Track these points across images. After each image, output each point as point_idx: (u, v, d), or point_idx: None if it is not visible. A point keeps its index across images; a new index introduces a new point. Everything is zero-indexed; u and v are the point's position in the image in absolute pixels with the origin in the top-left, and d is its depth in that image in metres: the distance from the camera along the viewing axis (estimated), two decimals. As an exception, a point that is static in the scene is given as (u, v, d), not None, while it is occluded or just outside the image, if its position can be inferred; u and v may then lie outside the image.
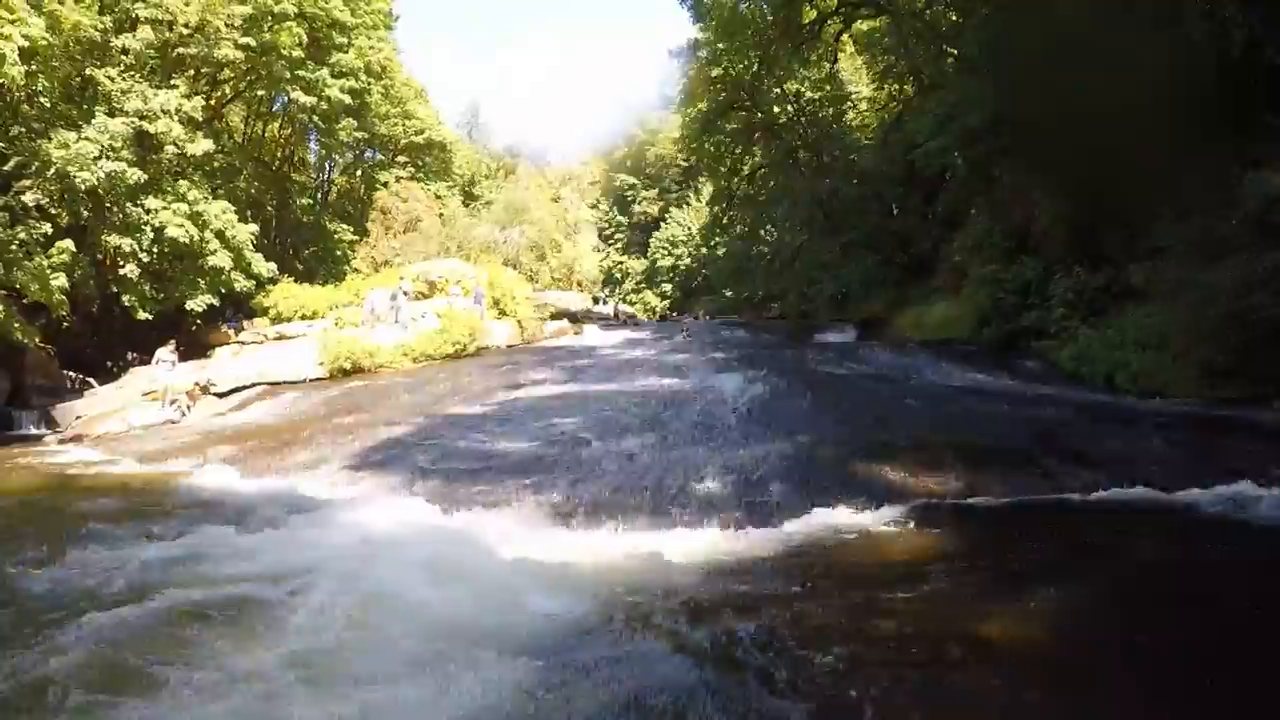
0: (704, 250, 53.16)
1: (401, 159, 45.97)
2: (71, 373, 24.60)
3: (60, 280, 21.41)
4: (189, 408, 20.11)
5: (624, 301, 53.10)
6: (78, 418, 20.00)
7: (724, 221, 44.48)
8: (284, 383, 22.10)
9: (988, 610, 5.74)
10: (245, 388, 21.91)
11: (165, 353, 20.84)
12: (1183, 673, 4.77)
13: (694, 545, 7.77)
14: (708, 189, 50.33)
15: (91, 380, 24.59)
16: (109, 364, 26.46)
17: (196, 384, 21.00)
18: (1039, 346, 18.25)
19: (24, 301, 21.66)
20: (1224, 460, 9.01)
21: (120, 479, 12.55)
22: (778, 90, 37.58)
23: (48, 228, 21.64)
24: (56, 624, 5.59)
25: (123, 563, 7.10)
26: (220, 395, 21.39)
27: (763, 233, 42.19)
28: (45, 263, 21.11)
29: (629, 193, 69.12)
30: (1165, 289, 14.86)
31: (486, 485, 10.23)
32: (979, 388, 14.98)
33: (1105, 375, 15.40)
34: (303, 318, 27.83)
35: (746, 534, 7.99)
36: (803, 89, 37.95)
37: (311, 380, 22.31)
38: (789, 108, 38.16)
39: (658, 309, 56.53)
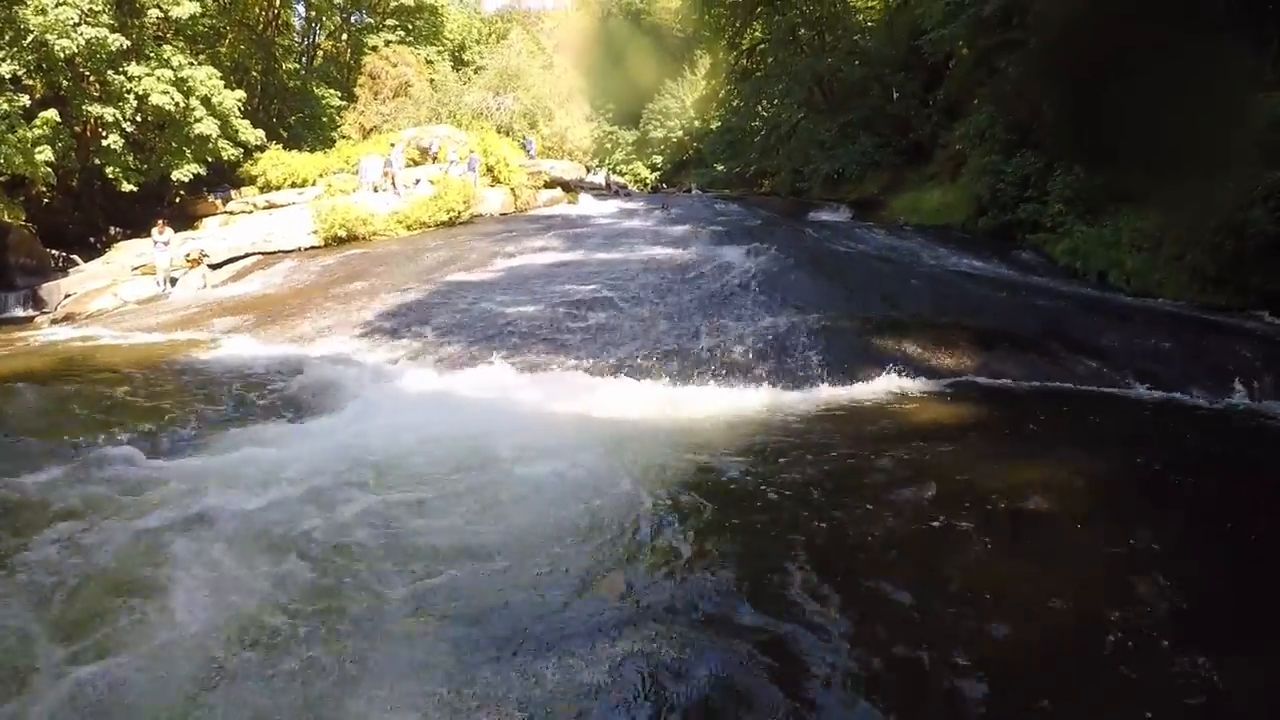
0: (697, 123, 52.57)
1: (390, 22, 44.56)
2: (55, 250, 23.68)
3: (46, 153, 20.77)
4: (204, 278, 20.06)
5: (614, 172, 52.49)
6: (66, 296, 19.61)
7: (720, 95, 43.89)
8: (278, 252, 22.03)
9: (1010, 469, 6.35)
10: (238, 258, 21.75)
11: (158, 234, 19.96)
12: (1189, 529, 5.45)
13: (726, 405, 8.28)
14: (704, 61, 49.53)
15: (76, 258, 23.87)
16: (92, 239, 25.91)
17: (188, 256, 20.66)
18: (1034, 239, 18.66)
19: (1, 179, 21.22)
20: (1217, 361, 9.57)
21: (141, 353, 11.70)
22: (781, -37, 36.67)
23: (26, 99, 20.89)
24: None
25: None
26: (213, 267, 21.22)
27: (759, 108, 41.77)
28: (29, 135, 20.41)
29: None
30: (1163, 196, 15.20)
31: (509, 350, 10.58)
32: (977, 274, 15.39)
33: (1099, 272, 15.95)
34: (292, 185, 27.50)
35: (777, 396, 8.54)
36: (807, -36, 37.00)
37: (306, 249, 22.26)
38: (792, -18, 37.20)
39: (648, 180, 56.10)
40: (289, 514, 5.37)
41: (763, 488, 5.94)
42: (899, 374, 8.92)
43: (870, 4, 36.73)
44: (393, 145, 28.51)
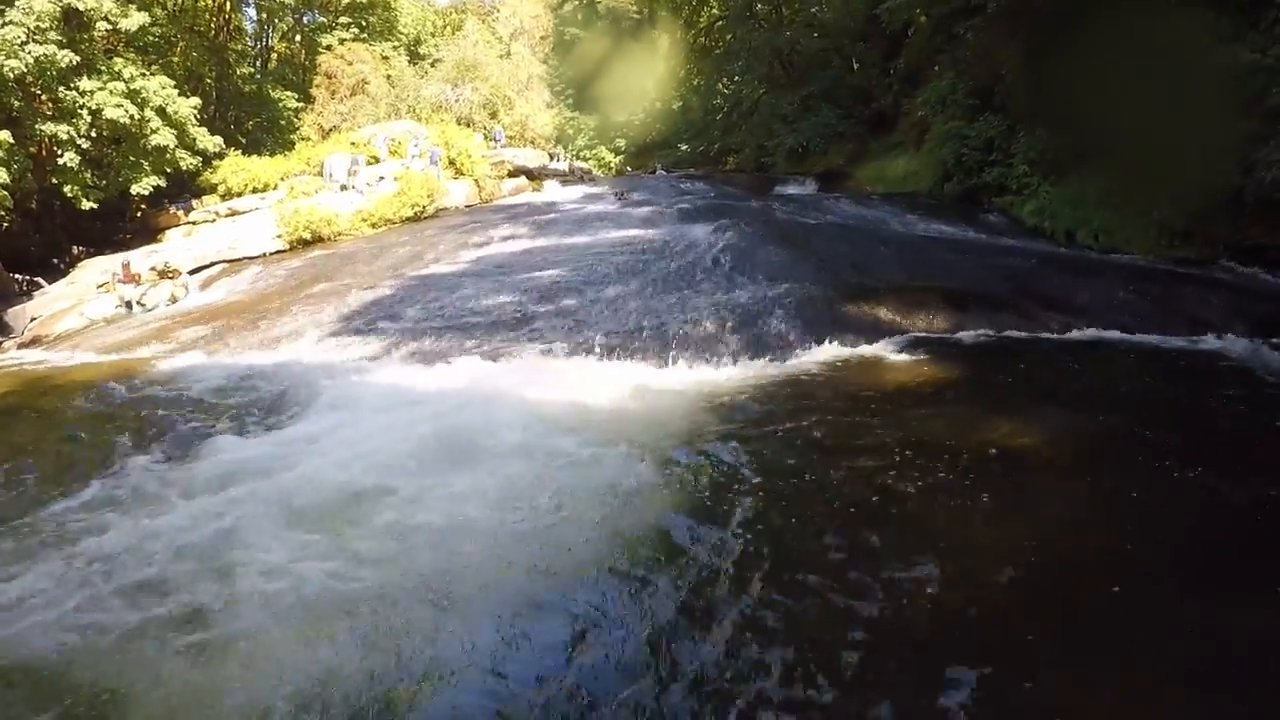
0: (659, 104, 52.44)
1: (344, 20, 43.86)
2: (18, 275, 23.01)
3: (2, 176, 20.40)
4: (185, 289, 19.74)
5: (578, 157, 52.16)
6: (32, 319, 19.30)
7: (680, 75, 43.87)
8: (243, 258, 21.91)
9: (986, 422, 6.37)
10: (204, 268, 21.54)
11: (124, 277, 19.60)
12: (1161, 470, 5.40)
13: (699, 379, 8.23)
14: (663, 42, 49.42)
15: (40, 280, 23.30)
16: (55, 261, 25.32)
17: (154, 268, 20.26)
18: (1001, 201, 18.66)
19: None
20: (1187, 309, 9.63)
21: (108, 371, 11.10)
22: (735, -61, 36.61)
23: (-23, 124, 20.41)
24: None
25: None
26: (190, 273, 20.91)
27: (720, 86, 41.75)
28: (-19, 158, 19.91)
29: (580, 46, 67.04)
30: (1126, 153, 15.20)
31: (481, 340, 10.48)
32: (945, 238, 15.40)
33: (1066, 231, 15.91)
34: (253, 191, 26.99)
35: (751, 368, 8.49)
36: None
37: (272, 254, 22.12)
38: (746, -42, 37.12)
39: (613, 164, 55.81)
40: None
41: (742, 458, 5.90)
42: (873, 339, 8.88)
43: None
44: (354, 144, 28.28)
